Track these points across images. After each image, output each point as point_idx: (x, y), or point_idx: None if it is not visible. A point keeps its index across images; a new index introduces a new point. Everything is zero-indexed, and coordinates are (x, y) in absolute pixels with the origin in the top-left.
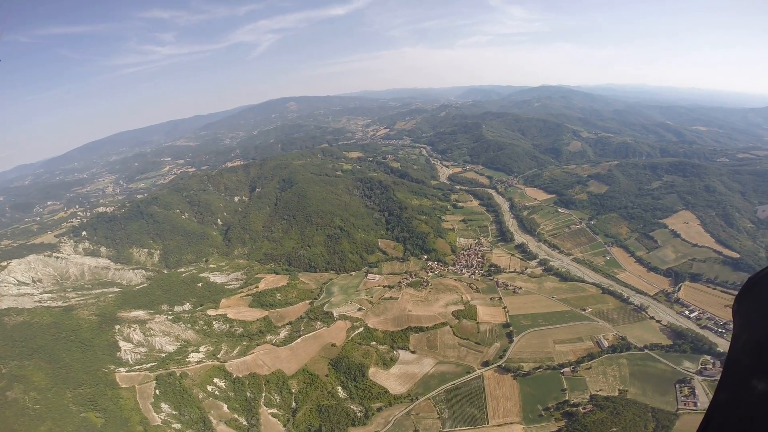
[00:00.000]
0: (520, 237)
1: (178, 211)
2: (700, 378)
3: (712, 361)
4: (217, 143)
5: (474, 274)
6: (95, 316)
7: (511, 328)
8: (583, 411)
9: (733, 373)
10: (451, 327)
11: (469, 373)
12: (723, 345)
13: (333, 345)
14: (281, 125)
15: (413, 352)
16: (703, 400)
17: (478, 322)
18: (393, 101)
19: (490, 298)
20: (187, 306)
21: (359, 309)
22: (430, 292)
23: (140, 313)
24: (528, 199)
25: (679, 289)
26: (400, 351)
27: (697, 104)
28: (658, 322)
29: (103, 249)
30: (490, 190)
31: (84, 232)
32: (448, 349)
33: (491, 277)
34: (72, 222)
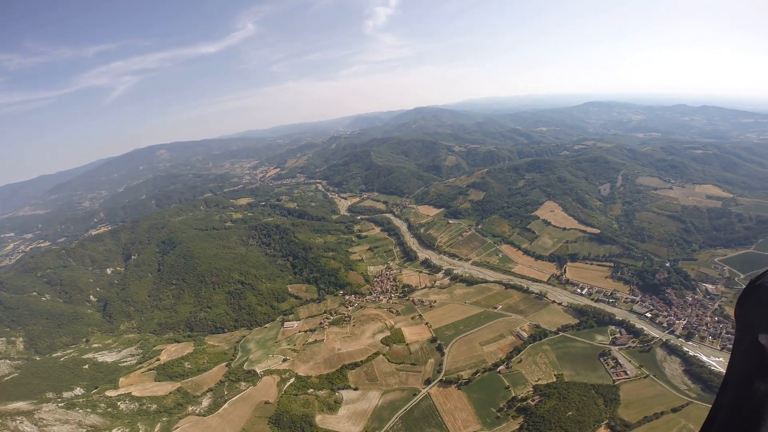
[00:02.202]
0: (422, 253)
1: (35, 293)
2: (616, 348)
3: (618, 330)
4: (73, 208)
5: (391, 298)
6: None
7: (438, 342)
8: (533, 403)
9: (736, 374)
10: (384, 355)
11: (415, 395)
12: (618, 314)
13: (267, 402)
14: (152, 177)
15: (356, 389)
16: (630, 368)
17: (407, 344)
18: (281, 138)
19: (412, 318)
20: (79, 390)
21: (284, 360)
22: (354, 326)
23: (21, 405)
24: (422, 216)
25: (565, 271)
26: (342, 391)
27: (536, 108)
28: (560, 304)
29: None
30: (388, 215)
31: None
32: (389, 377)
33: (407, 298)
34: None
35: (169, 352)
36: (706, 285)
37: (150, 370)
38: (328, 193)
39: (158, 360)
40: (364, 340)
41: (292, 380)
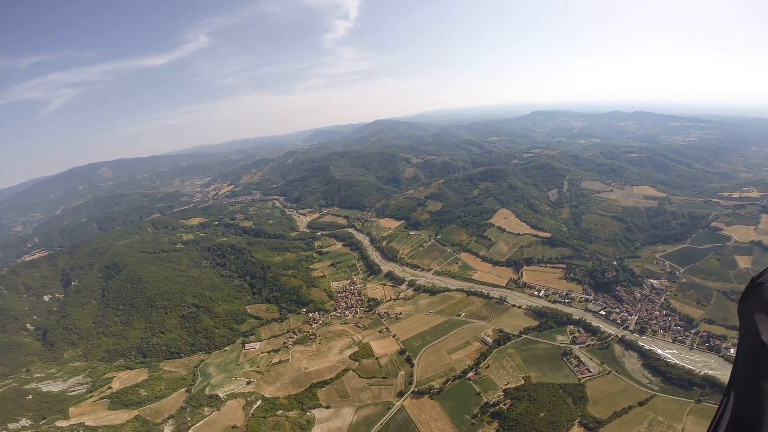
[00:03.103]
0: (385, 266)
1: None
2: (577, 346)
3: (576, 329)
4: (3, 233)
5: (356, 313)
6: None
7: (407, 353)
8: (505, 407)
9: (741, 374)
10: (354, 371)
11: (389, 408)
12: (575, 313)
13: (234, 427)
14: (93, 198)
15: (328, 407)
16: (592, 365)
17: (377, 358)
18: (235, 154)
19: (379, 331)
20: (25, 422)
21: (249, 382)
22: (320, 343)
23: None
24: (383, 229)
25: (521, 275)
26: (313, 411)
27: (487, 119)
28: (520, 308)
29: None
30: (349, 229)
31: None
32: (361, 393)
33: (373, 311)
34: None
35: (122, 380)
36: (651, 280)
37: (102, 398)
38: (286, 210)
39: (110, 388)
40: (331, 357)
41: (258, 403)
